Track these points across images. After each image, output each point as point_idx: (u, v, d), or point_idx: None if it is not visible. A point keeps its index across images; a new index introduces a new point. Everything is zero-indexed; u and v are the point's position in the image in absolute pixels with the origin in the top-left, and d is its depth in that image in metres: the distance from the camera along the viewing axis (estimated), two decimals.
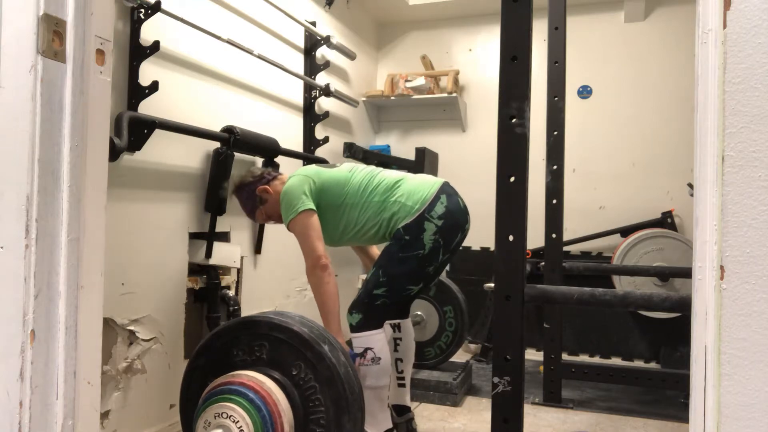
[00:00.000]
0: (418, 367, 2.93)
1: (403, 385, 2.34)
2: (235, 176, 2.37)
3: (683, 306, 1.19)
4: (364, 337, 2.04)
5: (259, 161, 2.86)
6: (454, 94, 3.92)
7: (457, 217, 2.08)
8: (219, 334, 1.66)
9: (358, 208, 2.13)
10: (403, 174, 2.20)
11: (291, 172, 2.26)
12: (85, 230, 1.10)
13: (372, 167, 2.27)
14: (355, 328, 2.07)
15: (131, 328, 2.13)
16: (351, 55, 3.64)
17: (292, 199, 2.08)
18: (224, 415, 1.43)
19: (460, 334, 3.01)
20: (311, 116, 3.35)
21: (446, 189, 2.12)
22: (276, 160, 2.83)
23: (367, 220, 2.12)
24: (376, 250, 2.42)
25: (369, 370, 2.03)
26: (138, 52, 2.10)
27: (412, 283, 2.09)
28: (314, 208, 2.08)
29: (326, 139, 3.38)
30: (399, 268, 2.04)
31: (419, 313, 3.03)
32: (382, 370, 2.04)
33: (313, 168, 2.22)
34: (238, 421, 1.41)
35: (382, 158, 3.64)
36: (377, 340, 2.05)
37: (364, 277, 3.88)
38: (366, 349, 2.03)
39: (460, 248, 2.18)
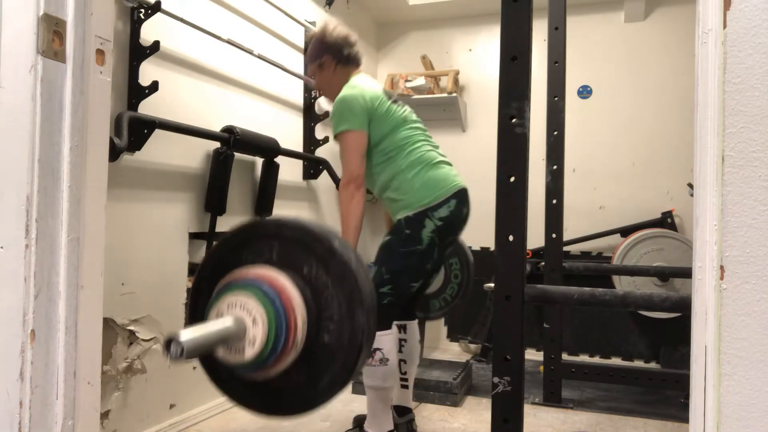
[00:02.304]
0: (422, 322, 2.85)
1: (405, 387, 2.33)
2: (327, 24, 2.26)
3: (683, 306, 1.19)
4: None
5: (259, 161, 2.86)
6: (454, 94, 3.92)
7: (454, 223, 2.08)
8: (226, 240, 1.55)
9: (383, 157, 2.09)
10: (438, 157, 2.14)
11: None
12: (85, 230, 1.10)
13: (424, 135, 2.20)
14: None
15: (131, 328, 2.13)
16: None
17: (346, 111, 2.03)
18: (238, 306, 1.33)
19: (465, 286, 2.99)
20: (311, 116, 3.35)
21: (459, 195, 2.09)
22: (276, 160, 2.83)
23: (381, 175, 2.10)
24: None
25: (376, 370, 2.01)
26: (138, 52, 2.10)
27: (413, 280, 2.08)
28: (366, 129, 2.05)
29: (326, 139, 3.37)
30: (401, 264, 2.03)
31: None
32: (389, 372, 2.03)
33: (376, 91, 2.12)
34: (251, 311, 1.32)
35: None
36: (387, 341, 2.03)
37: None
38: (375, 350, 2.00)
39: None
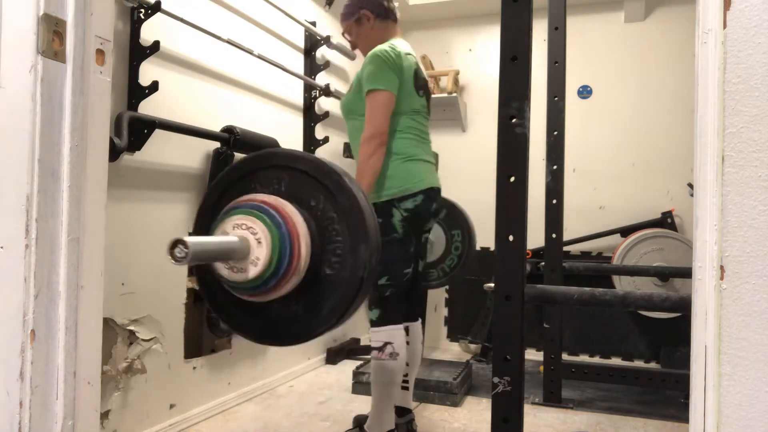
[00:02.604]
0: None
1: (406, 388, 2.33)
2: None
3: (683, 306, 1.19)
4: (385, 332, 2.02)
5: None
6: (454, 94, 3.92)
7: (421, 215, 2.10)
8: (235, 168, 1.54)
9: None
10: (423, 155, 2.14)
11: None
12: (85, 230, 1.10)
13: (422, 131, 2.19)
14: (376, 323, 2.05)
15: (131, 328, 2.13)
16: (351, 55, 3.64)
17: (382, 69, 2.01)
18: (243, 227, 1.33)
19: (464, 258, 2.98)
20: (311, 116, 3.35)
21: (429, 193, 2.09)
22: None
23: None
24: None
25: (386, 365, 2.01)
26: (138, 52, 2.11)
27: (405, 267, 2.09)
28: (396, 92, 2.03)
29: (326, 139, 3.38)
30: (386, 254, 2.00)
31: (427, 235, 3.01)
32: (398, 367, 2.03)
33: (410, 66, 2.10)
34: (256, 233, 1.32)
35: None
36: (398, 335, 2.03)
37: None
38: (386, 344, 2.00)
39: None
